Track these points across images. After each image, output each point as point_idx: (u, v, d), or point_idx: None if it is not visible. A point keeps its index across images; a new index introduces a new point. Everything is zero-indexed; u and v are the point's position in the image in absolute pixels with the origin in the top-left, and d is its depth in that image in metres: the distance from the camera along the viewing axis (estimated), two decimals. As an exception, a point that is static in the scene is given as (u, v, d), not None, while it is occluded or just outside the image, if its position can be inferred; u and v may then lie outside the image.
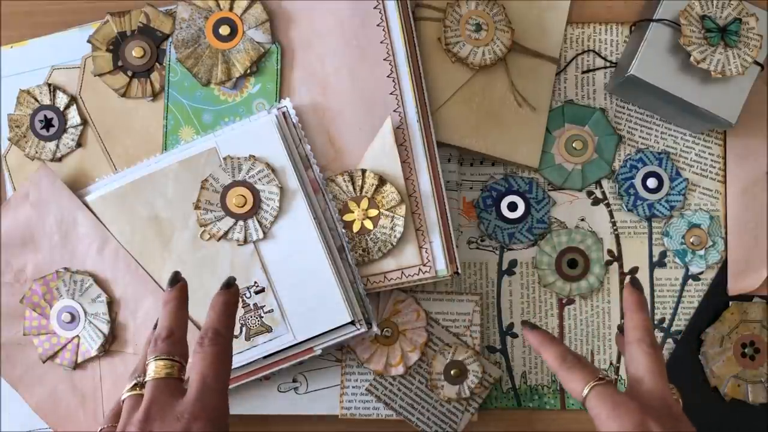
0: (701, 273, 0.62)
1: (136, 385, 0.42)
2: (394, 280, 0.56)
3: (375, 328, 0.56)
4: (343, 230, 0.56)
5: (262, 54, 0.57)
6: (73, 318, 0.57)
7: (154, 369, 0.41)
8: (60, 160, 0.59)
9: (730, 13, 0.56)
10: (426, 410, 0.60)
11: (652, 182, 0.62)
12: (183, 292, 0.45)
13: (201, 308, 0.55)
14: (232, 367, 0.55)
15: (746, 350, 0.61)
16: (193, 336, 0.43)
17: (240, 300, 0.55)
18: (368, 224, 0.56)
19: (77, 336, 0.57)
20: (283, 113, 0.56)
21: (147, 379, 0.41)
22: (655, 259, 0.62)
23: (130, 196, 0.56)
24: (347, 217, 0.56)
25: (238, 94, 0.57)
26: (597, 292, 0.62)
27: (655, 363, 0.42)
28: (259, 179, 0.55)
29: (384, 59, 0.56)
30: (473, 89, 0.59)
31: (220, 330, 0.42)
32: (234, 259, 0.55)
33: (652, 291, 0.62)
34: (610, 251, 0.62)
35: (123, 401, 0.42)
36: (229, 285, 0.45)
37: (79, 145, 0.59)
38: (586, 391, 0.41)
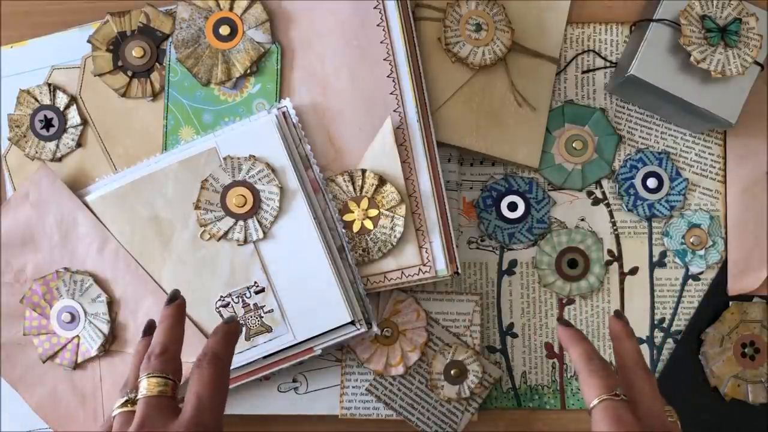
0: (701, 273, 0.62)
1: (127, 401, 0.42)
2: (394, 280, 0.56)
3: (375, 328, 0.56)
4: (343, 230, 0.56)
5: (262, 54, 0.57)
6: (73, 318, 0.57)
7: (147, 386, 0.40)
8: (60, 160, 0.59)
9: (730, 13, 0.56)
10: (426, 410, 0.60)
11: (652, 182, 0.62)
12: (180, 309, 0.45)
13: (201, 308, 0.56)
14: (232, 367, 0.55)
15: (746, 350, 0.61)
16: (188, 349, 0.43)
17: (240, 300, 0.55)
18: (368, 224, 0.56)
19: (77, 336, 0.57)
20: (283, 113, 0.56)
21: (139, 396, 0.40)
22: (655, 259, 0.62)
23: (130, 196, 0.56)
24: (347, 217, 0.56)
25: (238, 94, 0.57)
26: (597, 292, 0.62)
27: (652, 386, 0.43)
28: (259, 179, 0.55)
29: (384, 59, 0.56)
30: (473, 89, 0.59)
31: (219, 353, 0.42)
32: (234, 259, 0.55)
33: (652, 291, 0.62)
34: (610, 251, 0.62)
35: (113, 417, 0.42)
36: (232, 319, 0.46)
37: (79, 145, 0.59)
38: (595, 402, 0.41)
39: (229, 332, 0.44)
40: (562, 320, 0.48)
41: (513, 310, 0.62)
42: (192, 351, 0.49)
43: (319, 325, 0.55)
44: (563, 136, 0.62)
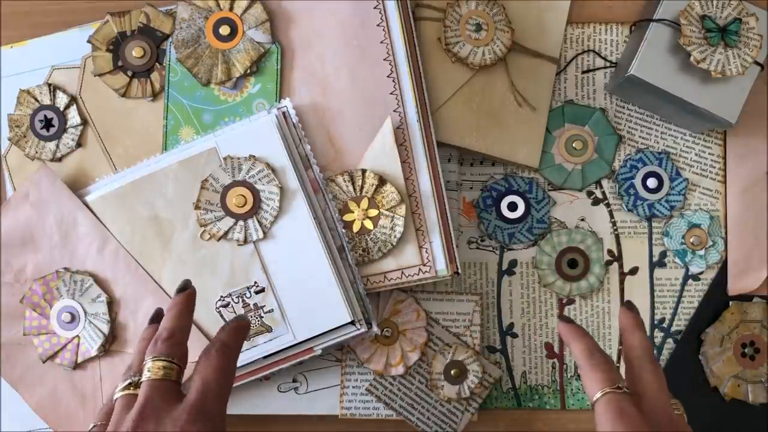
0: (701, 273, 0.62)
1: (130, 384, 0.42)
2: (394, 280, 0.56)
3: (375, 328, 0.56)
4: (343, 230, 0.56)
5: (262, 54, 0.57)
6: (73, 318, 0.57)
7: (151, 369, 0.40)
8: (60, 160, 0.59)
9: (730, 13, 0.56)
10: (426, 410, 0.60)
11: (652, 182, 0.62)
12: (190, 299, 0.45)
13: (201, 309, 0.55)
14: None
15: (746, 350, 0.61)
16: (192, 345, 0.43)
17: (240, 300, 0.55)
18: (368, 224, 0.56)
19: (77, 336, 0.57)
20: (283, 113, 0.56)
21: (143, 378, 0.40)
22: (655, 259, 0.62)
23: (130, 196, 0.56)
24: (347, 217, 0.56)
25: (238, 94, 0.57)
26: (597, 292, 0.62)
27: (658, 379, 0.42)
28: (259, 179, 0.55)
29: (384, 59, 0.56)
30: (473, 89, 0.59)
31: (228, 343, 0.42)
32: (234, 259, 0.55)
33: (652, 291, 0.62)
34: (610, 251, 0.62)
35: (115, 400, 0.42)
36: (243, 317, 0.46)
37: (79, 145, 0.59)
38: (598, 395, 0.41)
39: (239, 327, 0.44)
40: (562, 317, 0.47)
41: (513, 310, 0.62)
42: (192, 351, 0.49)
43: (319, 325, 0.55)
44: (563, 136, 0.62)
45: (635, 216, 0.62)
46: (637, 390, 0.42)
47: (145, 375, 0.40)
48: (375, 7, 0.56)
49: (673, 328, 0.62)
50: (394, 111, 0.56)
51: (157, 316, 0.47)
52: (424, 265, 0.56)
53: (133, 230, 0.56)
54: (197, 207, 0.55)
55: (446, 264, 0.56)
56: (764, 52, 0.57)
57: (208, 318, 0.56)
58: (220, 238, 0.55)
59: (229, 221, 0.55)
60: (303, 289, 0.55)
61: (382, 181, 0.55)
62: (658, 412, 0.41)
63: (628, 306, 0.46)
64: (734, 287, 0.62)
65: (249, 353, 0.55)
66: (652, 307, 0.62)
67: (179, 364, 0.41)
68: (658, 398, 0.41)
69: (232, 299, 0.55)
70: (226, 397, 0.41)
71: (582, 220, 0.62)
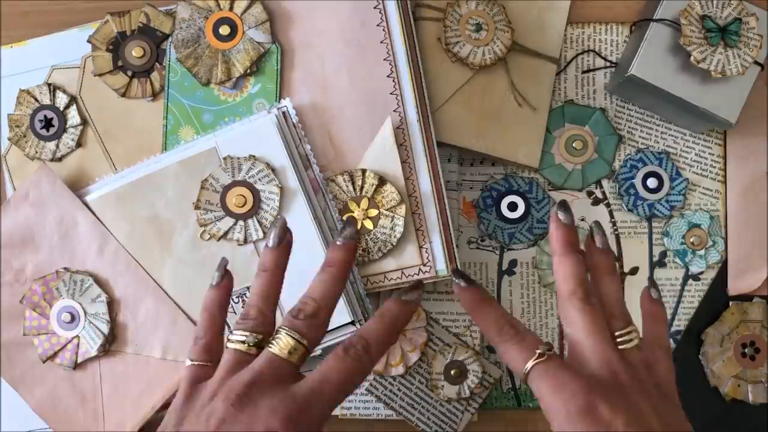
0: (701, 273, 0.62)
1: (250, 343, 0.38)
2: (394, 280, 0.56)
3: (375, 328, 0.56)
4: (343, 230, 0.56)
5: (262, 54, 0.57)
6: (73, 318, 0.57)
7: (281, 344, 0.37)
8: (60, 160, 0.59)
9: (730, 13, 0.56)
10: (426, 410, 0.60)
11: (652, 182, 0.62)
12: (351, 253, 0.40)
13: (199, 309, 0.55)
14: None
15: (746, 350, 0.61)
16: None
17: (240, 300, 0.55)
18: (368, 224, 0.56)
19: (77, 336, 0.57)
20: (283, 113, 0.56)
21: (270, 348, 0.37)
22: (655, 259, 0.62)
23: (130, 196, 0.56)
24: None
25: (238, 94, 0.57)
26: (597, 292, 0.62)
27: (589, 321, 0.38)
28: (259, 179, 0.55)
29: (384, 59, 0.56)
30: (473, 89, 0.59)
31: (372, 347, 0.38)
32: (234, 259, 0.55)
33: (652, 291, 0.62)
34: (610, 251, 0.62)
35: (226, 346, 0.39)
36: (409, 301, 0.40)
37: (79, 145, 0.59)
38: (527, 369, 0.37)
39: (401, 318, 0.39)
40: (461, 274, 0.40)
41: (513, 310, 0.62)
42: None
43: (319, 325, 0.55)
44: (563, 136, 0.62)
45: (635, 216, 0.62)
46: (570, 336, 0.38)
47: (273, 346, 0.37)
48: (375, 7, 0.56)
49: (673, 328, 0.62)
50: (394, 111, 0.56)
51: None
52: (424, 265, 0.56)
53: (133, 230, 0.56)
54: (197, 207, 0.55)
55: (446, 264, 0.56)
56: (764, 52, 0.57)
57: (208, 318, 0.56)
58: (220, 238, 0.55)
59: (229, 221, 0.55)
60: (303, 289, 0.55)
61: (382, 181, 0.55)
62: (597, 364, 0.37)
63: (563, 221, 0.41)
64: (734, 287, 0.62)
65: (249, 353, 0.55)
66: (652, 307, 0.62)
67: (308, 347, 0.38)
68: (592, 345, 0.38)
69: (233, 299, 0.55)
70: (335, 405, 0.37)
71: (582, 220, 0.62)
